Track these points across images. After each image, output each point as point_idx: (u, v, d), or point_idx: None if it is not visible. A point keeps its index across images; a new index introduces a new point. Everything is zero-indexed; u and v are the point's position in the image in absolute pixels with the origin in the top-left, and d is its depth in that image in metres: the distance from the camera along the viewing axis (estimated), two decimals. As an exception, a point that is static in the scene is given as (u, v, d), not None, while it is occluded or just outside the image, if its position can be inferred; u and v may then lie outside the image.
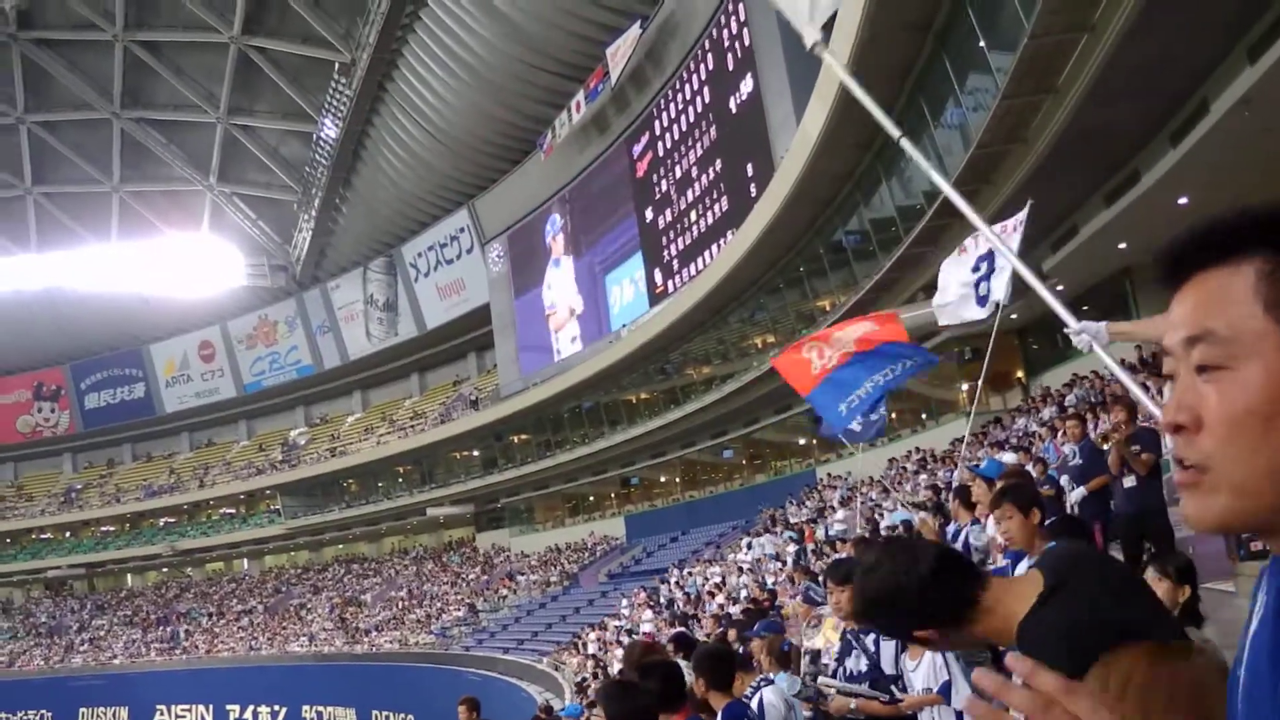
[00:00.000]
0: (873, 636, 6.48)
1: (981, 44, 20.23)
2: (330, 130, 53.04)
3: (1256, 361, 1.14)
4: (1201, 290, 1.19)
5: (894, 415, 33.57)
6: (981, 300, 10.00)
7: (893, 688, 6.31)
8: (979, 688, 1.29)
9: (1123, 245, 22.38)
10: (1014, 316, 27.85)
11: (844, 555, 9.74)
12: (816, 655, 7.53)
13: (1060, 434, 19.01)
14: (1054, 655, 2.07)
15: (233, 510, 69.50)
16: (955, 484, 14.15)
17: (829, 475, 35.00)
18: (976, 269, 9.96)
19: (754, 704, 6.74)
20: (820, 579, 9.51)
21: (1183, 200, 19.25)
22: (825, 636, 8.42)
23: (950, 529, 10.13)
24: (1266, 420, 1.12)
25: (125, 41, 57.31)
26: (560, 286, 51.38)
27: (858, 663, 6.49)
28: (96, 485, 74.50)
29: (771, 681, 7.06)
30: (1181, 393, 1.19)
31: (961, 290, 10.13)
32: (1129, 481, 9.96)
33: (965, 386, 33.57)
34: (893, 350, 12.42)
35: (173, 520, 70.52)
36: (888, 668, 6.34)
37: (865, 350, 12.34)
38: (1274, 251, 1.15)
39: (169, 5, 54.72)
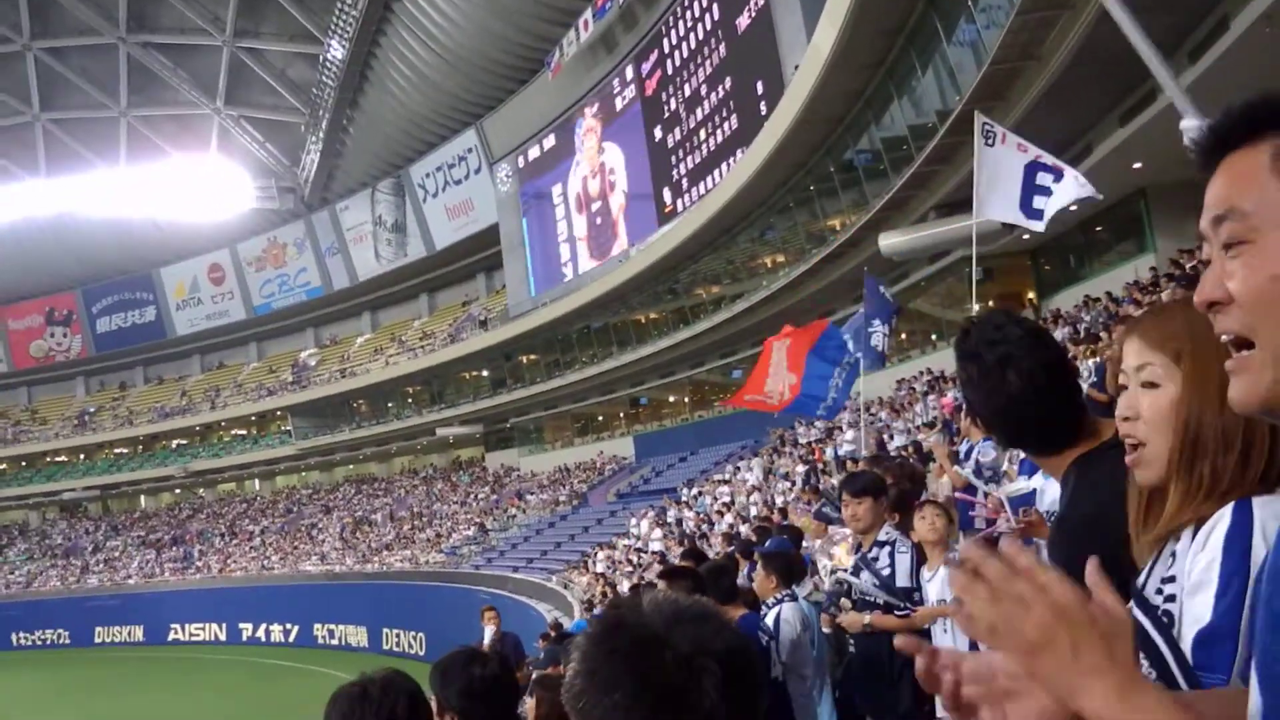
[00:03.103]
0: (888, 550, 6.46)
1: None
2: (337, 51, 52.57)
3: (1276, 231, 1.17)
4: (1226, 173, 1.23)
5: (904, 335, 33.50)
6: (1035, 212, 9.73)
7: (906, 603, 6.30)
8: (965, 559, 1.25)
9: (1138, 165, 22.20)
10: (1026, 238, 27.75)
11: (859, 470, 9.77)
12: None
13: (1074, 356, 19.06)
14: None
15: (244, 431, 69.86)
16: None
17: (838, 396, 34.97)
18: (1031, 176, 9.67)
19: (769, 619, 6.69)
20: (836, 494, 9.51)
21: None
22: (839, 558, 8.40)
23: (962, 447, 10.15)
24: None
25: (129, -36, 56.76)
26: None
27: (870, 579, 6.46)
28: (109, 408, 74.84)
29: (795, 597, 7.02)
30: (1212, 271, 1.23)
31: (1008, 188, 9.79)
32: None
33: (976, 308, 33.46)
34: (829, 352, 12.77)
35: (185, 442, 70.81)
36: (903, 581, 6.32)
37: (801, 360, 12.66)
38: None
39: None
